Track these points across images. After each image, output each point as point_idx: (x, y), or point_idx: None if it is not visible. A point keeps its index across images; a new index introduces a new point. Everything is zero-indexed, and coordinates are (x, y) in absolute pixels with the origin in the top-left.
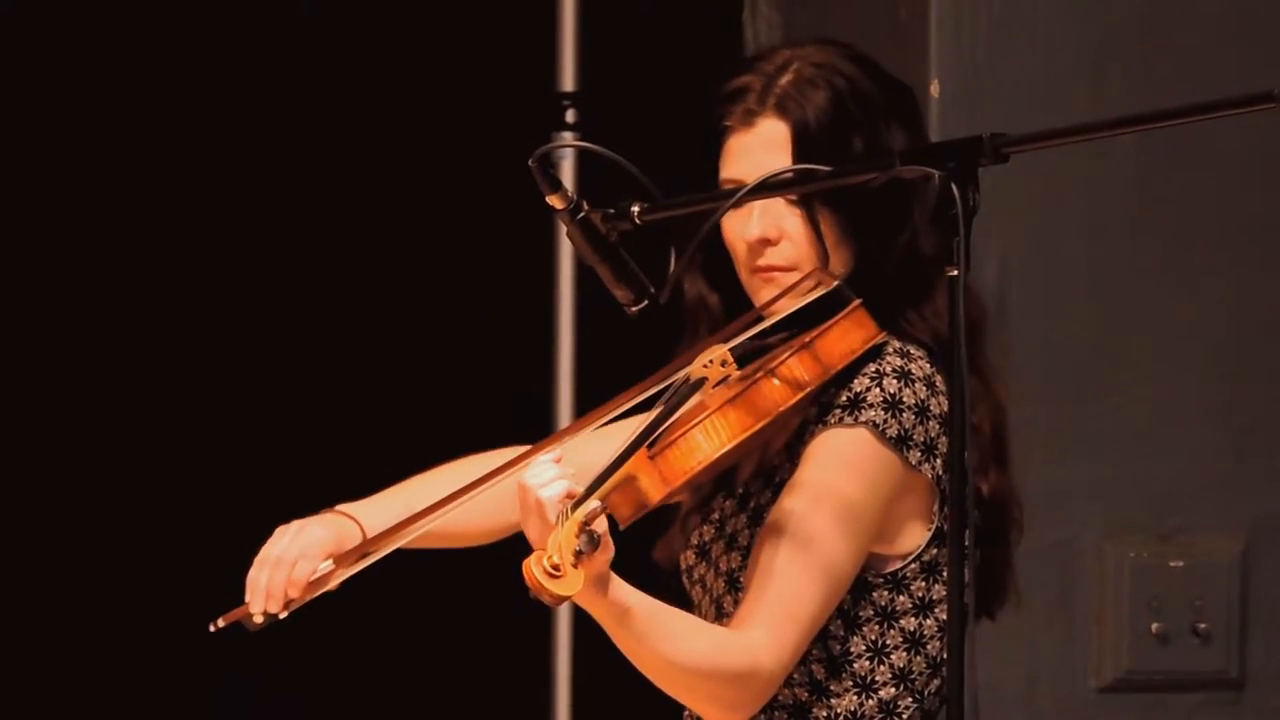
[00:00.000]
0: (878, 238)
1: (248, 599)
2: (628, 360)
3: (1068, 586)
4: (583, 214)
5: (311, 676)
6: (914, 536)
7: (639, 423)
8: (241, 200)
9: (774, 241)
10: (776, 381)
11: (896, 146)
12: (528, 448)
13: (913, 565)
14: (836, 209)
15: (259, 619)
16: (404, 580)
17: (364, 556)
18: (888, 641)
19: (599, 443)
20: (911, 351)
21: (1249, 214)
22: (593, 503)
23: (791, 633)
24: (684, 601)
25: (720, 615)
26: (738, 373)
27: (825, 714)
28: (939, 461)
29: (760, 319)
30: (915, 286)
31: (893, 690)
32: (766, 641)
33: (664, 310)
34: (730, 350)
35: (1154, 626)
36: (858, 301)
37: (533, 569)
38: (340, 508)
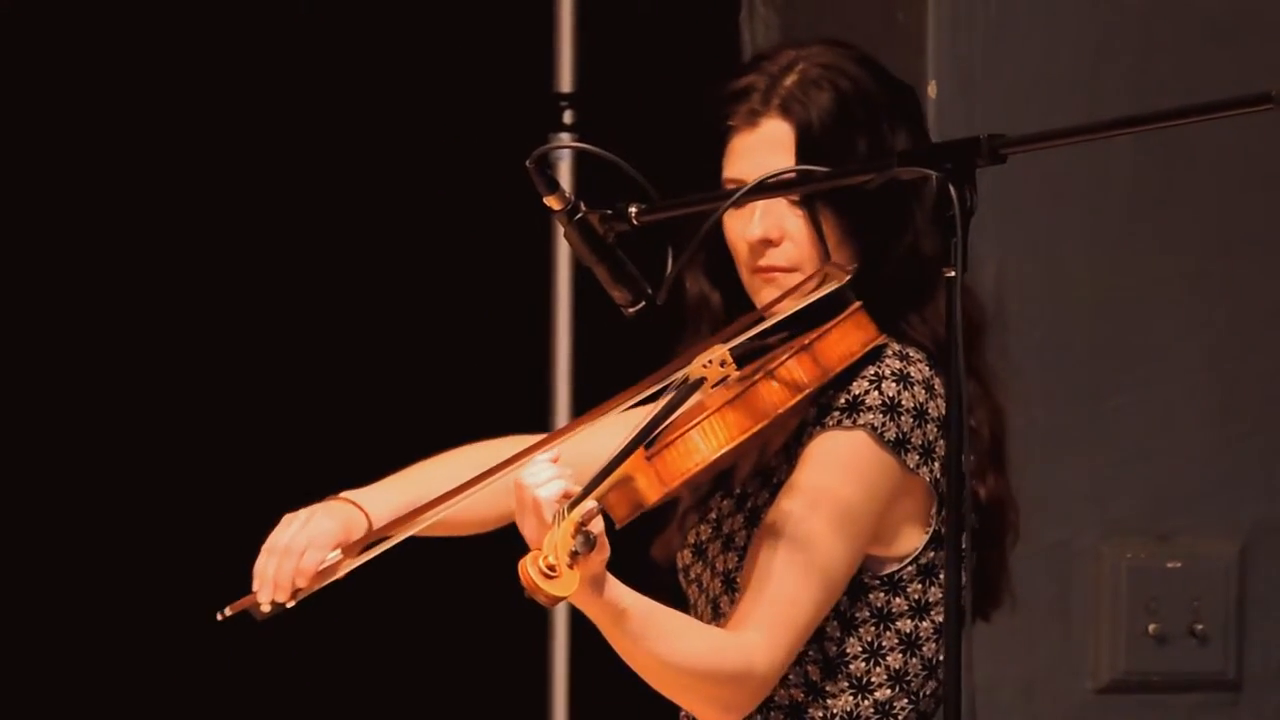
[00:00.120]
0: (879, 239)
1: (255, 588)
2: (625, 361)
3: (1065, 587)
4: (580, 215)
5: (310, 676)
6: (911, 539)
7: (639, 420)
8: (241, 200)
9: (775, 242)
10: (775, 383)
11: (900, 148)
12: (528, 437)
13: (909, 568)
14: (838, 210)
15: (266, 608)
16: (402, 579)
17: (371, 547)
18: (884, 643)
19: (601, 435)
20: (911, 354)
21: (1247, 215)
22: (589, 503)
23: (786, 634)
24: (680, 600)
25: (717, 615)
26: (737, 373)
27: (821, 714)
28: (937, 465)
29: (761, 319)
30: (916, 289)
31: (888, 691)
32: (761, 643)
33: (661, 311)
34: (730, 350)
35: (1151, 627)
36: (858, 304)
37: (528, 569)
38: (344, 495)
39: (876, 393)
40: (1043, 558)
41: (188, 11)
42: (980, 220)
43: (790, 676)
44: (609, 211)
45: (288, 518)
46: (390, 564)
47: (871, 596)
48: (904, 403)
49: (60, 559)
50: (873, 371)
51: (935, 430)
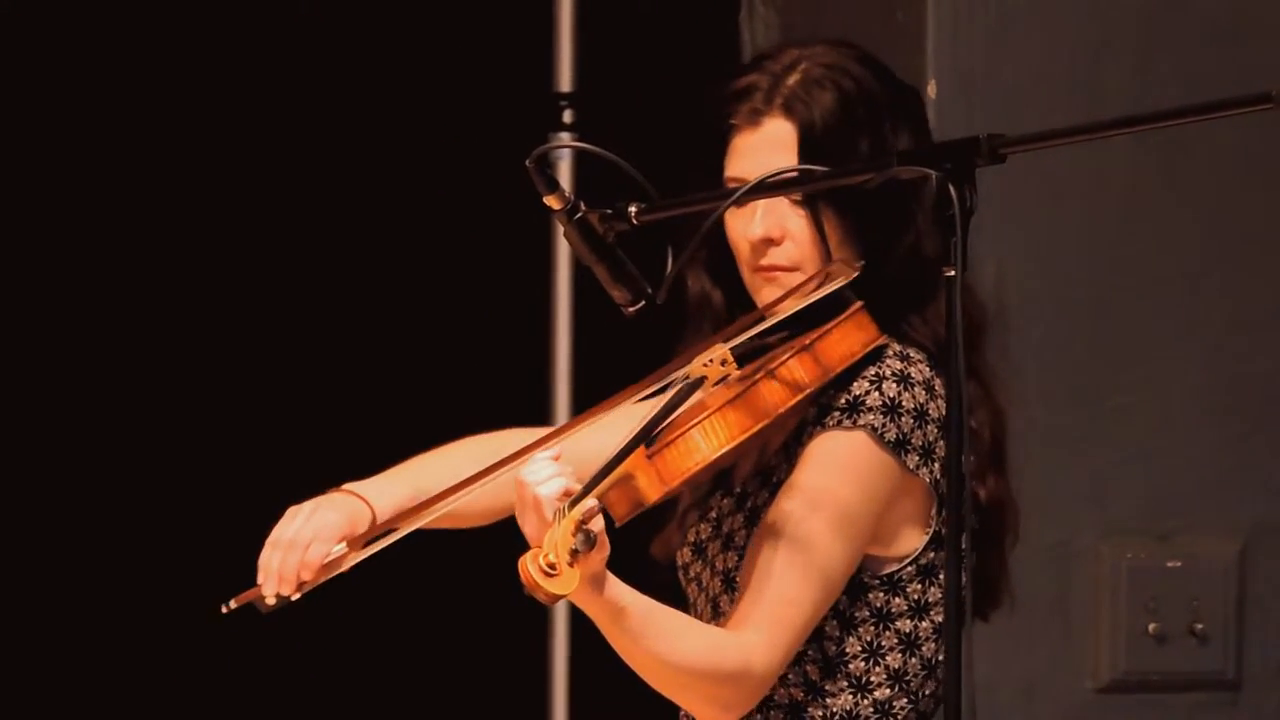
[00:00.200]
0: (881, 240)
1: (260, 581)
2: (625, 361)
3: (1065, 587)
4: (580, 214)
5: (310, 675)
6: (911, 540)
7: (641, 417)
8: (242, 199)
9: (777, 241)
10: (776, 383)
11: (902, 149)
12: (529, 429)
13: (909, 568)
14: (840, 210)
15: (271, 601)
16: (402, 578)
17: (375, 541)
18: (883, 643)
19: (603, 432)
20: (912, 355)
21: (1247, 215)
22: (590, 501)
23: (784, 635)
24: (680, 599)
25: (716, 614)
26: (737, 372)
27: (821, 713)
28: (937, 466)
29: (762, 318)
30: (917, 289)
31: (888, 691)
32: (760, 643)
33: (661, 311)
34: (730, 350)
35: (1151, 627)
36: (859, 304)
37: (528, 567)
38: (348, 487)
39: (877, 393)
40: (1043, 558)
41: (188, 11)
42: (979, 220)
43: (790, 675)
44: (609, 211)
45: (292, 510)
46: (390, 562)
47: (871, 596)
48: (904, 404)
49: (64, 551)
50: (873, 372)
51: (936, 431)
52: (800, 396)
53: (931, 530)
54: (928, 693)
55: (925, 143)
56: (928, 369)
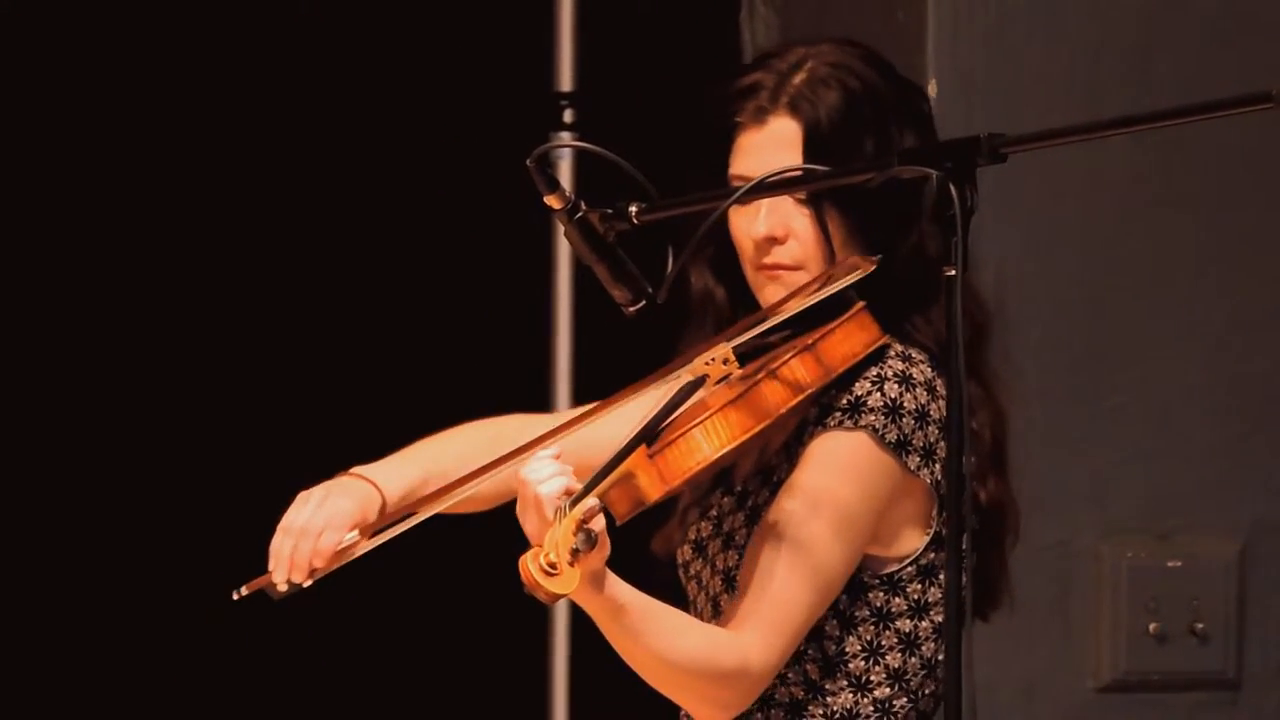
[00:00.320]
0: (884, 240)
1: (271, 567)
2: (625, 360)
3: (1065, 587)
4: (580, 214)
5: (310, 674)
6: (912, 540)
7: (644, 415)
8: (243, 198)
9: (781, 240)
10: (778, 383)
11: (907, 148)
12: (532, 416)
13: (909, 568)
14: (844, 209)
15: (283, 588)
16: (402, 576)
17: (386, 529)
18: (883, 642)
19: (606, 429)
20: (914, 355)
21: (1246, 215)
22: (590, 500)
23: (783, 634)
24: (680, 597)
25: (717, 612)
26: (739, 371)
27: (821, 712)
28: (938, 467)
29: (765, 317)
30: (920, 290)
31: (888, 690)
32: (758, 642)
33: (662, 310)
34: (732, 349)
35: (1152, 627)
36: (861, 304)
37: (529, 566)
38: (357, 470)
39: (879, 394)
40: (1043, 558)
41: (188, 11)
42: (980, 220)
43: (790, 674)
44: (609, 210)
45: (303, 495)
46: (391, 560)
47: (871, 596)
48: (906, 404)
49: (73, 540)
50: (875, 373)
51: (937, 432)
52: (802, 396)
53: (932, 531)
54: (927, 692)
55: (931, 142)
56: (930, 370)
